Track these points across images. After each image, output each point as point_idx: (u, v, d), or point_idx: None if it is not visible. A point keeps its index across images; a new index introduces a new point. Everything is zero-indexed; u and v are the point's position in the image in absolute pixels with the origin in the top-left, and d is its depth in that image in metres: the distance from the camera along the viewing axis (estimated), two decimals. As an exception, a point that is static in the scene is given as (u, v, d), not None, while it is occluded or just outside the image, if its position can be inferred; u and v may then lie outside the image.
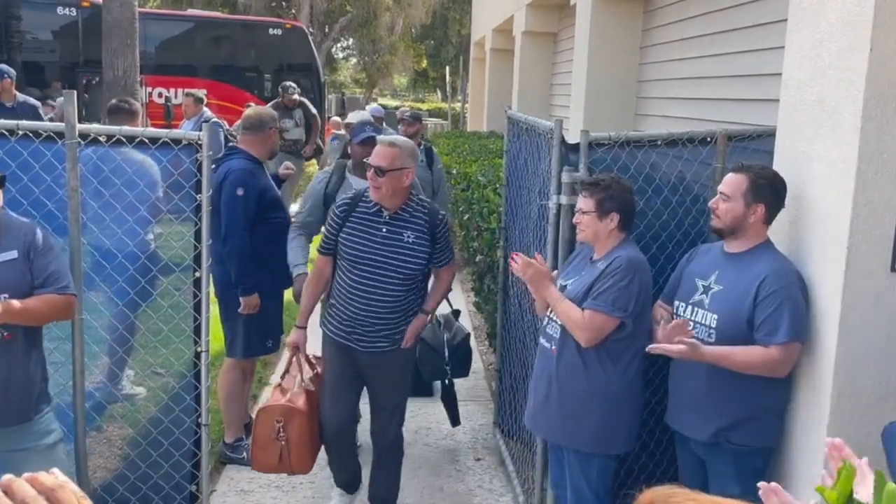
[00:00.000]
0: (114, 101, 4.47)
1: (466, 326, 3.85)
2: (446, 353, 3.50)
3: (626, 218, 2.37)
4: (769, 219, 2.23)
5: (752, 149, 2.67)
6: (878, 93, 1.94)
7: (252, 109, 3.64)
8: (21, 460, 2.13)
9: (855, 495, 0.98)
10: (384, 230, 2.70)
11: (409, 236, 2.71)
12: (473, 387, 4.55)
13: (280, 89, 8.16)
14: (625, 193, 2.37)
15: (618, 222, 2.35)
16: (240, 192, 3.22)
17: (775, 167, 2.35)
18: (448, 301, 3.54)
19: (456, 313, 3.65)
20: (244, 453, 3.46)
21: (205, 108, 6.93)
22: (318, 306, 3.01)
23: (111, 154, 2.54)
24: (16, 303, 2.08)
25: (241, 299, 3.27)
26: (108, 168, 2.55)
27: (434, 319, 3.46)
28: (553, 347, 2.42)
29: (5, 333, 2.12)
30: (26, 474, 0.69)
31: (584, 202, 2.39)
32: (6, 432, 2.17)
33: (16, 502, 0.65)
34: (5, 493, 0.65)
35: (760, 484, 1.05)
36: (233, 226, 3.23)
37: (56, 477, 0.68)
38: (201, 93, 7.58)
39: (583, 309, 2.30)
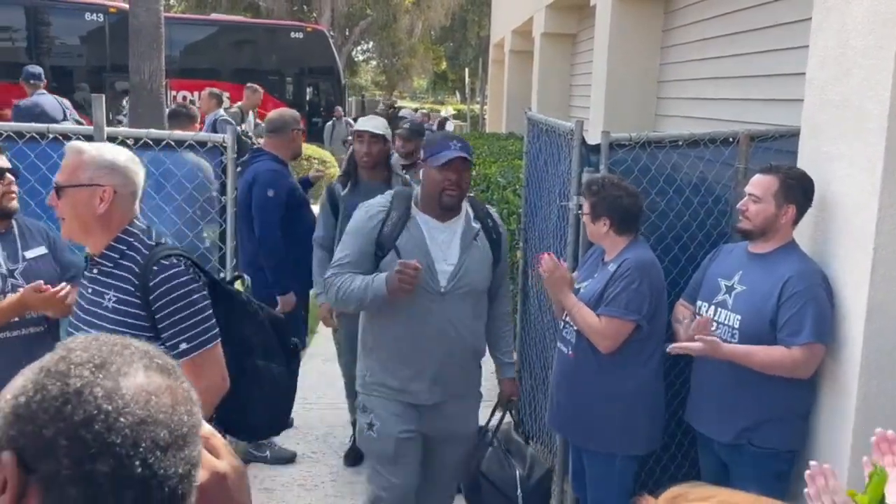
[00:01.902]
0: (174, 106, 4.75)
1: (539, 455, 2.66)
2: (520, 497, 2.47)
3: (620, 221, 2.33)
4: (798, 220, 2.22)
5: (774, 149, 2.65)
6: (904, 92, 1.92)
7: (275, 111, 3.69)
8: None
9: (887, 500, 0.97)
10: (90, 289, 1.73)
11: (110, 299, 1.69)
12: (494, 388, 4.55)
13: (384, 105, 7.42)
14: (618, 198, 2.31)
15: (609, 226, 2.34)
16: (270, 193, 3.28)
17: (799, 167, 2.32)
18: (506, 408, 2.59)
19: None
20: (267, 452, 3.52)
21: (220, 110, 7.02)
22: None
23: (167, 155, 2.61)
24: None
25: (278, 299, 3.33)
26: (163, 168, 2.62)
27: (496, 441, 2.56)
28: (570, 352, 2.43)
29: (47, 325, 2.20)
30: None
31: (584, 203, 2.43)
32: None
33: None
34: None
35: (812, 464, 1.04)
36: (267, 227, 3.29)
37: (206, 426, 0.73)
38: (225, 94, 7.69)
39: (599, 316, 2.30)
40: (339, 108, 12.74)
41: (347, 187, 3.25)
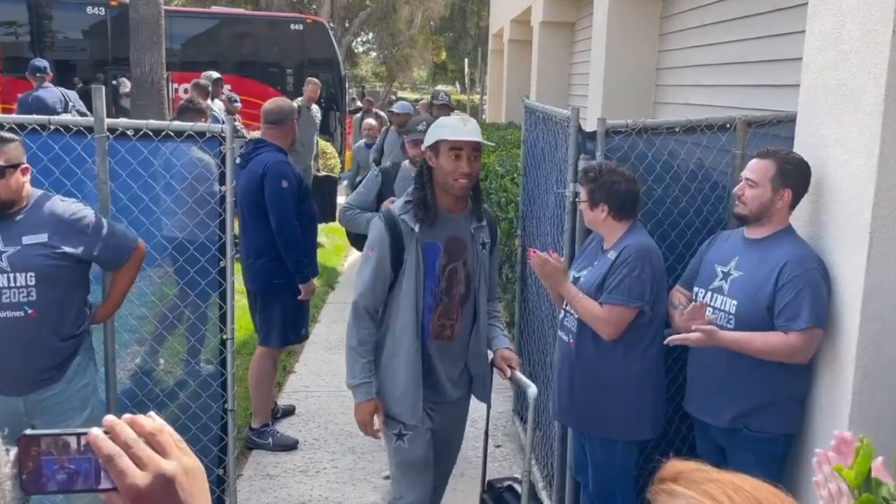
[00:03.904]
0: (183, 101, 4.81)
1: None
2: None
3: (619, 207, 2.35)
4: (794, 204, 2.22)
5: (771, 135, 2.65)
6: (899, 75, 1.92)
7: (273, 102, 3.68)
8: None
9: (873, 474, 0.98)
10: None
11: None
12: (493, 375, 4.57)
13: (430, 98, 6.74)
14: (615, 183, 2.33)
15: (608, 212, 2.35)
16: (284, 184, 3.31)
17: (795, 152, 2.33)
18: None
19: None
20: (269, 439, 3.55)
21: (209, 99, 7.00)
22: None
23: (182, 150, 2.64)
24: (108, 307, 2.46)
25: (300, 287, 3.40)
26: (163, 159, 2.65)
27: None
28: (571, 340, 2.44)
29: (30, 311, 2.20)
30: (127, 416, 0.68)
31: (581, 191, 2.43)
32: (39, 396, 2.30)
33: (119, 444, 0.65)
34: (107, 433, 0.66)
35: (818, 451, 1.03)
36: (284, 218, 3.33)
37: (154, 420, 0.68)
38: (227, 87, 7.65)
39: (601, 304, 2.31)
40: (371, 99, 12.37)
41: (421, 222, 2.22)
